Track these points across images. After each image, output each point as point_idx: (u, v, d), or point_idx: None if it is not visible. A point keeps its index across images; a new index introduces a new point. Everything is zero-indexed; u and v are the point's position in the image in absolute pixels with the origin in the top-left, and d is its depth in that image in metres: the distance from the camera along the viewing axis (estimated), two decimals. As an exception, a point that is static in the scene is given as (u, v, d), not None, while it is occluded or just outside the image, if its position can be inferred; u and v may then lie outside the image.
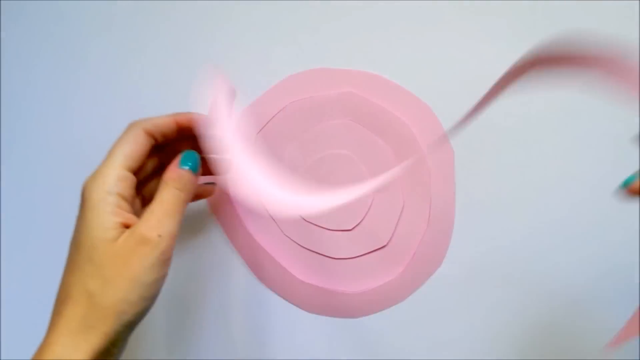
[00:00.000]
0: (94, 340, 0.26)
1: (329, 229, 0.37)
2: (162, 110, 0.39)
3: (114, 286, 0.26)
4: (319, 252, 0.37)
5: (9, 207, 0.41)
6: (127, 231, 0.27)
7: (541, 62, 0.28)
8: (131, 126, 0.30)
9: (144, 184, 0.32)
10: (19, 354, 0.39)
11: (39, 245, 0.40)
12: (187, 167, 0.30)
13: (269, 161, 0.38)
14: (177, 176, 0.29)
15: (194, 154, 0.31)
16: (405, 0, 0.37)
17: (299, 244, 0.38)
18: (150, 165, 0.32)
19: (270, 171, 0.31)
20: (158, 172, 0.32)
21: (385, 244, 0.37)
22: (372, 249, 0.37)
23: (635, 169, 0.36)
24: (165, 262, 0.28)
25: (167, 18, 0.39)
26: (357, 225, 0.37)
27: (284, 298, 0.38)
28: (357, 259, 0.37)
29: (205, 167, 0.32)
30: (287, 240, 0.38)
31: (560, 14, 0.36)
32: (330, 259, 0.37)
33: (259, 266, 0.38)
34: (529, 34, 0.37)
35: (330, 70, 0.38)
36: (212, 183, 0.36)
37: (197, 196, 0.35)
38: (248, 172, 0.30)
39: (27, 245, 0.40)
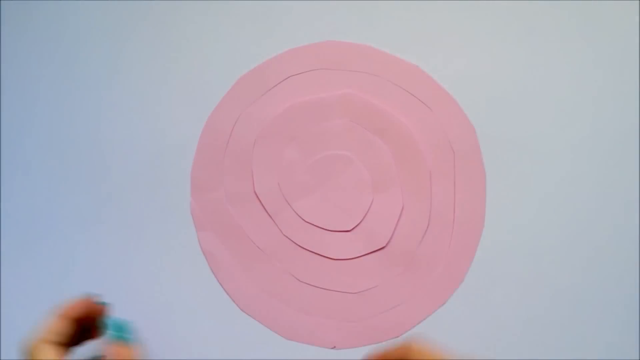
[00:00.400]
0: None
1: (329, 230, 0.37)
2: (162, 107, 0.39)
3: None
4: (318, 252, 0.37)
5: (9, 207, 0.41)
6: None
7: None
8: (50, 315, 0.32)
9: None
10: (19, 354, 0.39)
11: (39, 246, 0.40)
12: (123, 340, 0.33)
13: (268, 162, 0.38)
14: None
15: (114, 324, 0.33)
16: (406, 1, 0.38)
17: (298, 245, 0.38)
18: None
19: None
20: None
21: (384, 244, 0.37)
22: (372, 250, 0.37)
23: (635, 169, 0.36)
24: None
25: (165, 18, 0.40)
26: (356, 226, 0.37)
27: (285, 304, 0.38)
28: (357, 259, 0.37)
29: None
30: (286, 241, 0.38)
31: (561, 14, 0.36)
32: (329, 259, 0.37)
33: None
34: (529, 35, 0.37)
35: (329, 71, 0.38)
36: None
37: None
38: None
39: (27, 246, 0.40)
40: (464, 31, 0.37)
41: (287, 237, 0.38)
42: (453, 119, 0.37)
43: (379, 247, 0.37)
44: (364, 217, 0.37)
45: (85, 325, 0.33)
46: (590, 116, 0.36)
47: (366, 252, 0.37)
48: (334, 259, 0.37)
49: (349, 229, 0.37)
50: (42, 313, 0.35)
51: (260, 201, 0.38)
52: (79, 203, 0.40)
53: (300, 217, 0.38)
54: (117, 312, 0.38)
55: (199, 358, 0.37)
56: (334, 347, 0.37)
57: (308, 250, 0.38)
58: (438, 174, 0.37)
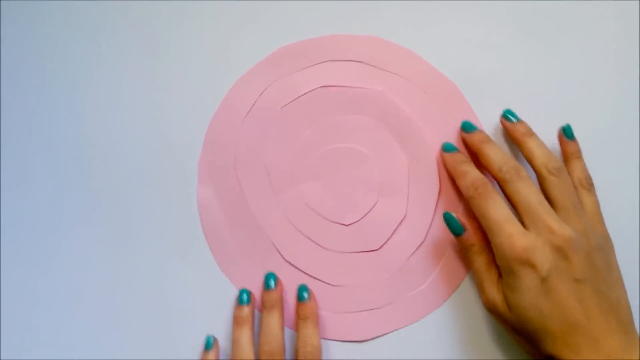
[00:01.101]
0: None
1: (327, 219, 0.37)
2: (164, 107, 0.39)
3: None
4: (310, 237, 0.37)
5: (9, 207, 0.40)
6: None
7: None
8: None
9: None
10: (19, 354, 0.38)
11: (39, 245, 0.39)
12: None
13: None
14: None
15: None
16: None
17: (293, 225, 0.37)
18: None
19: None
20: None
21: (377, 247, 0.37)
22: (363, 250, 0.37)
23: (634, 168, 0.36)
24: None
25: (169, 16, 0.40)
26: (354, 222, 0.37)
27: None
28: (346, 254, 0.37)
29: None
30: (282, 218, 0.38)
31: (561, 14, 0.36)
32: (319, 247, 0.37)
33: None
34: (530, 35, 0.37)
35: (368, 66, 0.38)
36: None
37: None
38: None
39: (27, 245, 0.39)
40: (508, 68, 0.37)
41: (284, 214, 0.38)
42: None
43: (371, 249, 0.37)
44: (364, 216, 0.37)
45: None
46: (591, 117, 0.36)
47: (357, 250, 0.37)
48: (324, 248, 0.37)
49: (346, 224, 0.37)
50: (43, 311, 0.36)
51: (267, 173, 0.38)
52: (79, 191, 0.39)
53: (303, 199, 0.37)
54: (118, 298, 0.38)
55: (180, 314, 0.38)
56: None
57: (301, 232, 0.37)
58: (448, 194, 0.37)
